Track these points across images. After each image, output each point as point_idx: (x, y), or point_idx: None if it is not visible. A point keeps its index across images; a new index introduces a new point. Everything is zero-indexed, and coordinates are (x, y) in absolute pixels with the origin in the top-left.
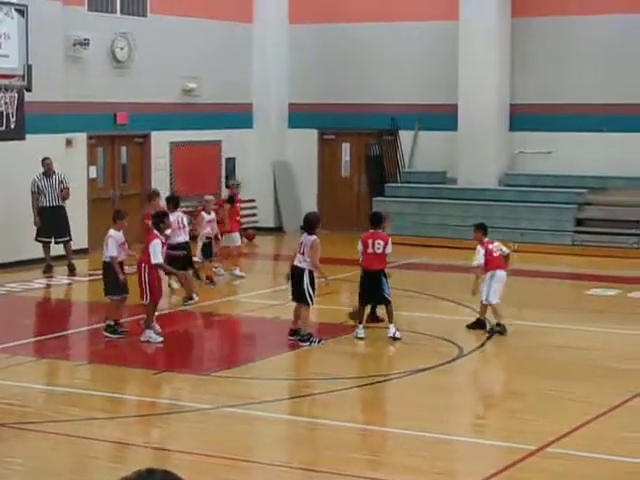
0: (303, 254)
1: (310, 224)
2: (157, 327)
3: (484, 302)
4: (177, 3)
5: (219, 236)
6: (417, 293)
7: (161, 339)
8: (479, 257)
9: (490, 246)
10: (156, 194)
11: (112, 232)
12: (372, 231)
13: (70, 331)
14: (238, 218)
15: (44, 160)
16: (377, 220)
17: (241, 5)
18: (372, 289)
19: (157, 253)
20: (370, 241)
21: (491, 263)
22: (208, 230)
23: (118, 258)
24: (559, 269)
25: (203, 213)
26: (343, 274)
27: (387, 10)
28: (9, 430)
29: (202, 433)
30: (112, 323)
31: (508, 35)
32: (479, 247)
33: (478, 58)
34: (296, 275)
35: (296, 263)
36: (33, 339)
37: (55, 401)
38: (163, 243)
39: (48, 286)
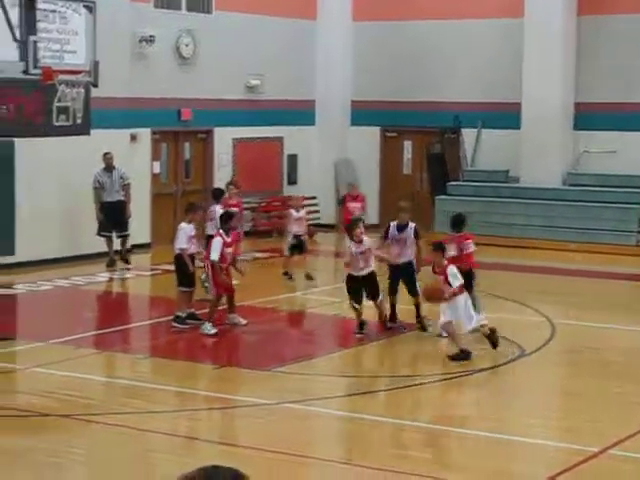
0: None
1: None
2: (239, 319)
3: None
4: (241, 0)
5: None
6: (479, 292)
7: (214, 331)
8: (457, 278)
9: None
10: (222, 192)
11: (183, 225)
12: (459, 234)
13: (132, 324)
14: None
15: (105, 155)
16: (461, 222)
17: (305, 2)
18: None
19: (214, 250)
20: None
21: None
22: (296, 228)
23: (188, 250)
24: (622, 270)
25: (291, 211)
26: None
27: (451, 8)
28: (73, 421)
29: (263, 428)
30: (181, 314)
31: (574, 33)
32: (450, 267)
33: (543, 56)
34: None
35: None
36: (97, 332)
37: (118, 394)
38: (226, 243)
39: (111, 280)
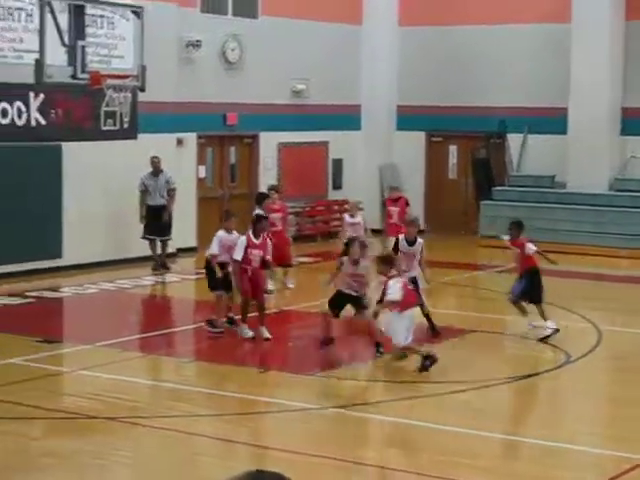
0: None
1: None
2: (264, 331)
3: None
4: (287, 5)
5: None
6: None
7: (251, 334)
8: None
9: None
10: (266, 196)
11: (219, 232)
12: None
13: (177, 328)
14: (391, 221)
15: (152, 158)
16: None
17: (351, 7)
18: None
19: (237, 250)
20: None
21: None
22: (350, 233)
23: (219, 257)
24: None
25: (345, 215)
26: (449, 277)
27: (498, 12)
28: (119, 424)
29: (307, 433)
30: (214, 318)
31: (622, 38)
32: (390, 281)
33: (590, 61)
34: None
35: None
36: (142, 335)
37: (163, 397)
38: (251, 244)
39: (156, 283)
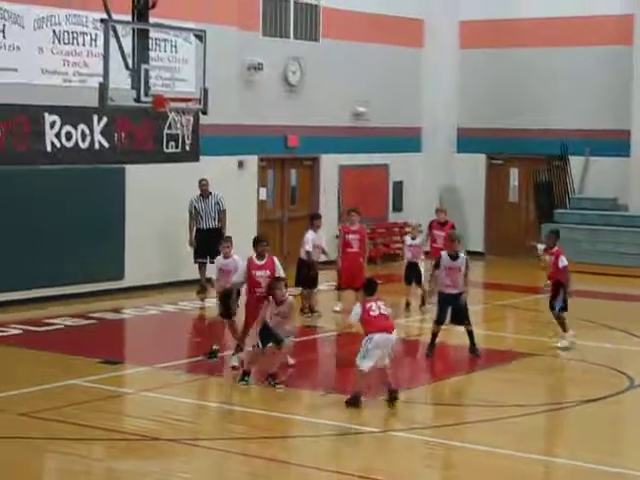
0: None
1: None
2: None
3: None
4: (348, 28)
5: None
6: (588, 322)
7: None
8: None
9: (369, 304)
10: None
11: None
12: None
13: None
14: (435, 245)
15: (200, 181)
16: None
17: (412, 30)
18: None
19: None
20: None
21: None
22: (409, 255)
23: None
24: None
25: (406, 237)
26: (510, 300)
27: (558, 35)
28: (181, 446)
29: (369, 456)
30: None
31: None
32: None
33: None
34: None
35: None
36: (203, 357)
37: (224, 419)
38: (253, 266)
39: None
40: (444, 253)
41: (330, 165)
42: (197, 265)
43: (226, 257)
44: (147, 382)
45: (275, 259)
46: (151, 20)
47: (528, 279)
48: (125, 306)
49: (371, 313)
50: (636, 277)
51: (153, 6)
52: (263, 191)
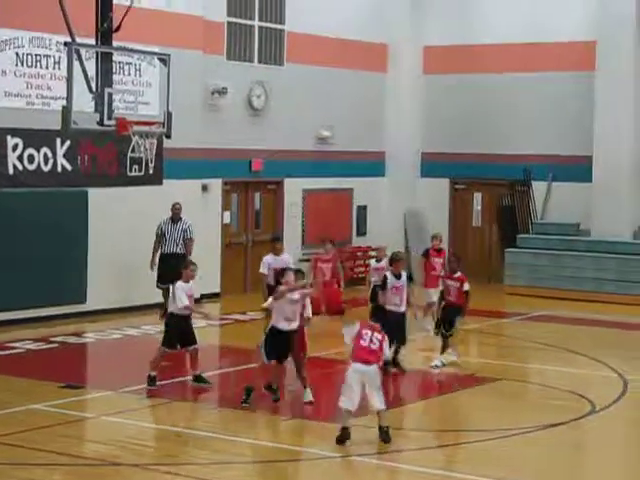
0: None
1: None
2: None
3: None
4: (313, 53)
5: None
6: (550, 346)
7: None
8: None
9: (365, 331)
10: (330, 241)
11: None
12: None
13: (201, 374)
14: (434, 272)
15: (174, 205)
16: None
17: (376, 55)
18: None
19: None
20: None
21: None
22: (376, 278)
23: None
24: None
25: (372, 261)
26: (473, 325)
27: (521, 60)
28: (143, 471)
29: None
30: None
31: None
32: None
33: (614, 109)
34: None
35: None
36: (166, 381)
37: (187, 444)
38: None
39: None
40: (389, 274)
41: (294, 189)
42: (161, 290)
43: (187, 282)
44: (109, 406)
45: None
46: (115, 43)
47: (492, 303)
48: (87, 330)
49: (361, 341)
50: (598, 302)
51: (117, 29)
52: (227, 215)
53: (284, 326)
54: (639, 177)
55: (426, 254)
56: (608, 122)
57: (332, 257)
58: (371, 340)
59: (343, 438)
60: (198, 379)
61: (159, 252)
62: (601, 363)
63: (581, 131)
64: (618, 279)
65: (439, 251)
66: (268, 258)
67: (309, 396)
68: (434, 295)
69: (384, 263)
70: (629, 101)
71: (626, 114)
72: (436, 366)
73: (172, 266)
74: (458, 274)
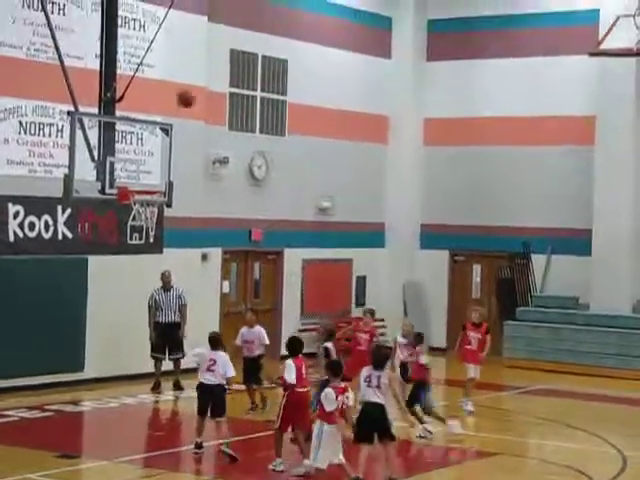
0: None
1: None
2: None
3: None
4: (314, 124)
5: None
6: (549, 420)
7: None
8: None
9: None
10: (370, 312)
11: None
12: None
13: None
14: (469, 347)
15: (163, 274)
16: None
17: (377, 127)
18: None
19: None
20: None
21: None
22: (404, 355)
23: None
24: None
25: (398, 336)
26: (472, 397)
27: (521, 134)
28: None
29: None
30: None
31: None
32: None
33: (614, 183)
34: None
35: (375, 399)
36: (164, 450)
37: None
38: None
39: (177, 398)
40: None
41: (294, 259)
42: (153, 360)
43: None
44: (104, 476)
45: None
46: (118, 113)
47: (490, 376)
48: (84, 398)
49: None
50: (596, 376)
51: (120, 99)
52: (226, 284)
53: None
54: (638, 251)
55: (463, 328)
56: (607, 196)
57: (371, 328)
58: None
59: None
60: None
61: (153, 322)
62: (600, 439)
63: (581, 205)
64: (618, 353)
65: (478, 325)
66: (242, 329)
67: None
68: (472, 370)
69: (411, 339)
70: (628, 176)
71: (625, 189)
72: (420, 436)
73: (171, 335)
74: (417, 348)
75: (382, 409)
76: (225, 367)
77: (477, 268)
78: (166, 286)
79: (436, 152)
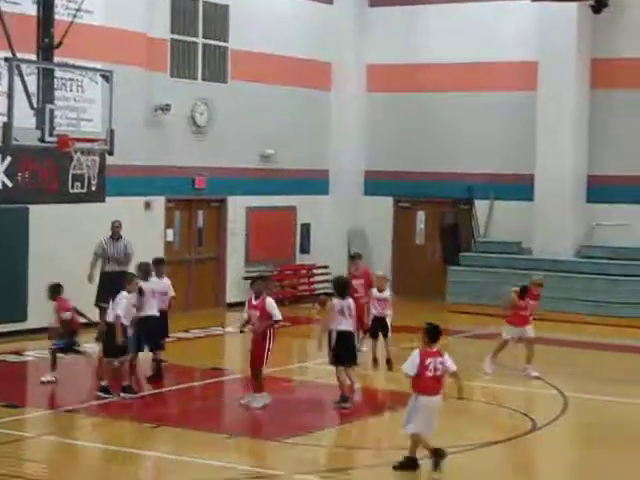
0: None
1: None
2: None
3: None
4: (257, 70)
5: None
6: (496, 365)
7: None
8: (410, 365)
9: (428, 360)
10: (358, 256)
11: (123, 293)
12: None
13: (145, 392)
14: (523, 313)
15: (113, 223)
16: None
17: (320, 73)
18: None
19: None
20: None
21: (420, 385)
22: (378, 310)
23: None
24: (637, 343)
25: (373, 290)
26: (417, 342)
27: (465, 80)
28: None
29: None
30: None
31: (587, 107)
32: (415, 352)
33: (556, 129)
34: (349, 338)
35: (345, 327)
36: (107, 400)
37: (127, 462)
38: (250, 305)
39: None
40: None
41: (237, 207)
42: (98, 309)
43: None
44: (49, 426)
45: (266, 300)
46: (57, 59)
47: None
48: (27, 348)
49: (427, 372)
50: (539, 320)
51: (59, 45)
52: (170, 232)
53: None
54: (580, 196)
55: (524, 292)
56: (549, 142)
57: (363, 273)
58: (435, 369)
59: (406, 466)
60: (126, 389)
61: (98, 270)
62: (542, 380)
63: (523, 151)
64: (560, 297)
65: (537, 296)
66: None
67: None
68: (529, 331)
69: (387, 294)
70: (569, 122)
71: (567, 134)
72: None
73: (116, 285)
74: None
75: (353, 337)
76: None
77: (421, 214)
78: (115, 235)
79: (379, 99)
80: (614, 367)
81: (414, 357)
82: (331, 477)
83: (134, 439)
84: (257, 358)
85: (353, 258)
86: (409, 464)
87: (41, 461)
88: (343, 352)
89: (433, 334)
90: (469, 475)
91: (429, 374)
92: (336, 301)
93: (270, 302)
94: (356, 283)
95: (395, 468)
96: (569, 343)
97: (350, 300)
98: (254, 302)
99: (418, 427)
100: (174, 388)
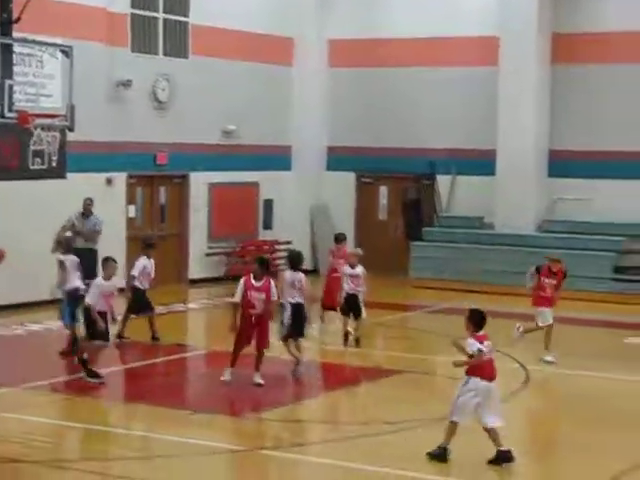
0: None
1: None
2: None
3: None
4: (218, 46)
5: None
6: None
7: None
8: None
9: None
10: (343, 237)
11: (97, 279)
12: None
13: (108, 369)
14: (542, 293)
15: (85, 200)
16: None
17: (282, 48)
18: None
19: (237, 292)
20: None
21: (480, 369)
22: (351, 285)
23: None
24: (597, 317)
25: (345, 267)
26: (379, 318)
27: (427, 55)
28: (46, 468)
29: (237, 475)
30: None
31: (548, 81)
32: (471, 340)
33: (517, 104)
34: (300, 311)
35: (299, 300)
36: (70, 377)
37: (92, 440)
38: (250, 286)
39: None
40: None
41: (200, 183)
42: None
43: (109, 279)
44: (10, 403)
45: (271, 282)
46: (15, 35)
47: (397, 296)
48: None
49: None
50: (502, 294)
51: (17, 20)
52: (132, 208)
53: None
54: (541, 171)
55: (539, 271)
56: (511, 117)
57: (343, 253)
58: (490, 350)
59: (441, 456)
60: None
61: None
62: (504, 354)
63: (485, 126)
64: (522, 272)
65: (555, 272)
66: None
67: (258, 379)
68: (548, 315)
69: (359, 270)
70: (531, 95)
71: (528, 109)
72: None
73: (87, 261)
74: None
75: (304, 309)
76: None
77: (383, 189)
78: (86, 212)
79: (341, 74)
80: (575, 341)
81: (472, 344)
82: (295, 452)
83: (97, 416)
84: (265, 338)
85: (338, 240)
86: (505, 456)
87: (2, 439)
88: (294, 324)
89: (478, 321)
90: (429, 447)
91: (488, 357)
92: (288, 274)
93: (273, 283)
94: (337, 263)
95: (490, 462)
96: (530, 317)
97: (301, 274)
98: (256, 284)
99: (496, 419)
100: (137, 365)
